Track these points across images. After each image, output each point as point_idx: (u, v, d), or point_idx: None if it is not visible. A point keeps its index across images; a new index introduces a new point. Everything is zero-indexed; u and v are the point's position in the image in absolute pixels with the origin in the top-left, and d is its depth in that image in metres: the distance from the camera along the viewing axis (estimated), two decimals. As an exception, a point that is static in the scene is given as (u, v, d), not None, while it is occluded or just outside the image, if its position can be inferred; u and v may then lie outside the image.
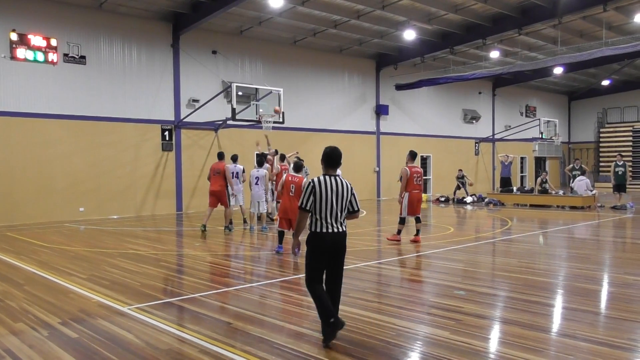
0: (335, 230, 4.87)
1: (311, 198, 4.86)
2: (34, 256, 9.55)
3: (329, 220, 4.86)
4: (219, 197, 12.44)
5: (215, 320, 5.52)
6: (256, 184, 12.30)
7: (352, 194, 5.01)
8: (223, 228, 12.67)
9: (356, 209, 5.04)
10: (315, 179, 4.93)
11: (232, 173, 12.64)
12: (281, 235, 9.66)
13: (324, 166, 5.08)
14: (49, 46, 15.45)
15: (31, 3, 15.31)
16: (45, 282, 7.43)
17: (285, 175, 9.99)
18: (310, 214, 4.91)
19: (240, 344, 4.73)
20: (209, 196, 12.65)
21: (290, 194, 9.29)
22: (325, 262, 4.90)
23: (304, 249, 5.21)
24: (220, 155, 12.90)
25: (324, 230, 4.85)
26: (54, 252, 10.02)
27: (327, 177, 4.94)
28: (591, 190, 18.68)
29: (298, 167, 9.76)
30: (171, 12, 17.43)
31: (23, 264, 8.83)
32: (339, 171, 5.46)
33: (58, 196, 15.80)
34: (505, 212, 17.43)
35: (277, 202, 12.38)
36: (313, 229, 4.92)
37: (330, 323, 4.66)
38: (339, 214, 4.91)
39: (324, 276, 4.96)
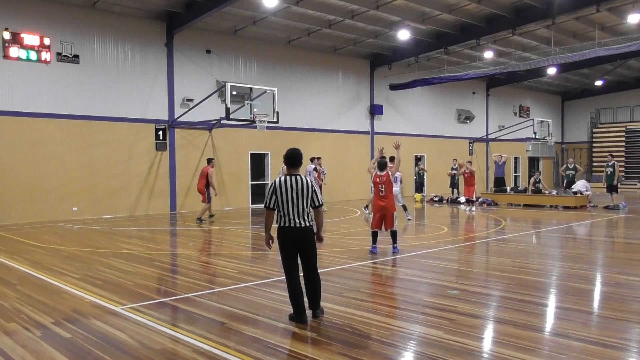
0: (299, 225, 5.29)
1: (273, 197, 5.32)
2: (26, 256, 9.49)
3: (291, 216, 5.28)
4: (201, 193, 15.09)
5: (209, 320, 5.52)
6: None
7: (313, 191, 5.40)
8: (197, 219, 14.75)
9: (317, 204, 5.41)
10: (277, 180, 5.38)
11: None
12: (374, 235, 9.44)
13: (286, 167, 5.50)
14: (41, 45, 15.35)
15: (24, 2, 15.20)
16: (38, 282, 7.39)
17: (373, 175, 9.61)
18: (276, 211, 5.36)
19: (235, 344, 4.73)
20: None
21: (381, 193, 9.16)
22: (292, 252, 5.35)
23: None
24: (209, 161, 15.38)
25: (288, 224, 5.29)
26: (47, 251, 9.97)
27: (289, 177, 5.35)
28: (587, 191, 18.84)
29: (382, 165, 9.47)
30: (165, 11, 17.37)
31: (16, 263, 8.78)
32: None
33: (51, 196, 15.72)
34: (498, 212, 17.49)
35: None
36: (280, 224, 5.37)
37: (293, 316, 5.31)
38: (302, 210, 5.30)
39: (301, 266, 5.44)
